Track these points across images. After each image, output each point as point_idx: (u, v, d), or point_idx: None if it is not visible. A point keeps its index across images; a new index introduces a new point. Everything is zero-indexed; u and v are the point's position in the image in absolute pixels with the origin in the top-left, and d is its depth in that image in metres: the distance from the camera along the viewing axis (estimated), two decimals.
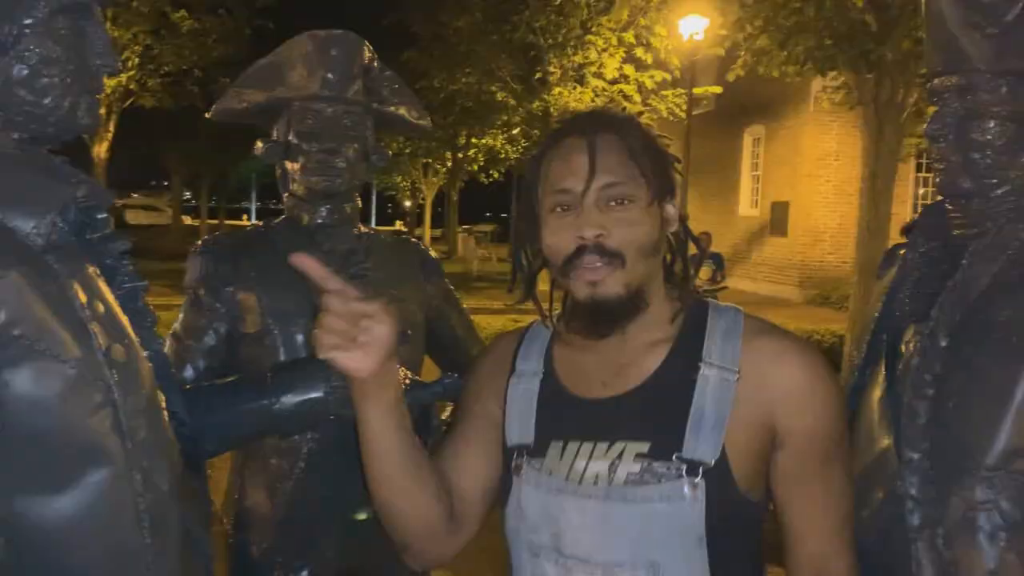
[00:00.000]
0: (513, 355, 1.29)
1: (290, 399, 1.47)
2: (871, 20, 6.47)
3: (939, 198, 1.45)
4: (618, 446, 1.15)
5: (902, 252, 1.51)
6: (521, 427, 1.23)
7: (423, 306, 2.08)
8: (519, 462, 1.21)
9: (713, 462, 1.12)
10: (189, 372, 1.88)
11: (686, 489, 1.11)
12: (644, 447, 1.14)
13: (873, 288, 1.62)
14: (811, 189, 16.47)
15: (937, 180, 1.40)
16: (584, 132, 1.17)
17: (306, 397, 1.48)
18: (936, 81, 1.39)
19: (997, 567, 1.22)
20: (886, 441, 1.35)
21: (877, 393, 1.41)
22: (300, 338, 1.87)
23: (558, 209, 1.17)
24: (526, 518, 1.19)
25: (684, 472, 1.12)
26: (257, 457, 1.92)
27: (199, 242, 1.98)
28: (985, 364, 1.24)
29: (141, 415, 1.05)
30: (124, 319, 1.10)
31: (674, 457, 1.12)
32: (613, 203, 1.15)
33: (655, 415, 1.16)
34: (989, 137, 1.32)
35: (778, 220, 17.33)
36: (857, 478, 1.41)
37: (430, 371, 1.88)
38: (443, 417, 2.19)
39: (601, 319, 1.17)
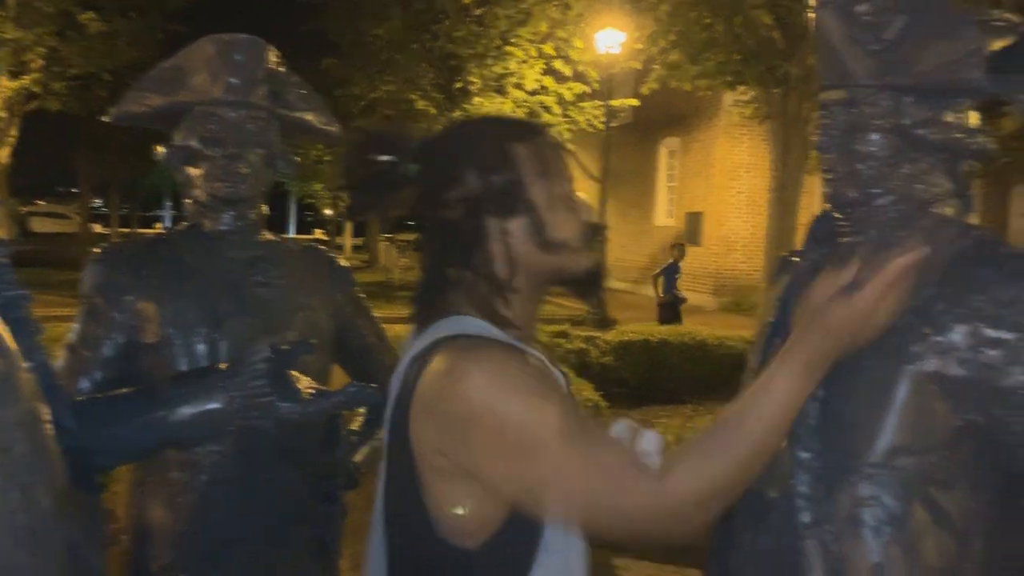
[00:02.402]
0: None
1: (188, 410, 1.42)
2: (778, 37, 6.71)
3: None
4: None
5: (795, 260, 1.57)
6: None
7: (332, 314, 2.06)
8: None
9: None
10: (85, 384, 1.82)
11: None
12: None
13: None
14: (723, 200, 16.92)
15: (826, 190, 1.46)
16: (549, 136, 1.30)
17: (205, 408, 1.43)
18: (824, 94, 1.45)
19: (882, 561, 1.27)
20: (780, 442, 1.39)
21: None
22: (201, 348, 1.82)
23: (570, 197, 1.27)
24: None
25: None
26: (157, 471, 1.86)
27: (96, 249, 1.92)
28: (869, 366, 1.30)
29: (19, 428, 1.00)
30: (2, 329, 1.05)
31: None
32: None
33: None
34: (872, 149, 1.38)
35: (693, 230, 17.73)
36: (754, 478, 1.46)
37: (342, 381, 1.86)
38: (352, 427, 2.17)
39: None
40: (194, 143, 1.89)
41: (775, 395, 1.13)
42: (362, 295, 2.22)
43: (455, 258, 1.25)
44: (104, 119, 2.01)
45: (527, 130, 1.28)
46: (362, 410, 2.18)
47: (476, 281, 1.25)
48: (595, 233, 1.30)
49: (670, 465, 1.11)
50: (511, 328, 1.24)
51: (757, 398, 1.14)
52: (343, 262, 2.21)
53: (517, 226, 1.22)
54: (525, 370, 1.16)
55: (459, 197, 1.23)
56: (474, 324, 1.23)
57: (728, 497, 1.14)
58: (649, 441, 1.14)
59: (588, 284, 1.29)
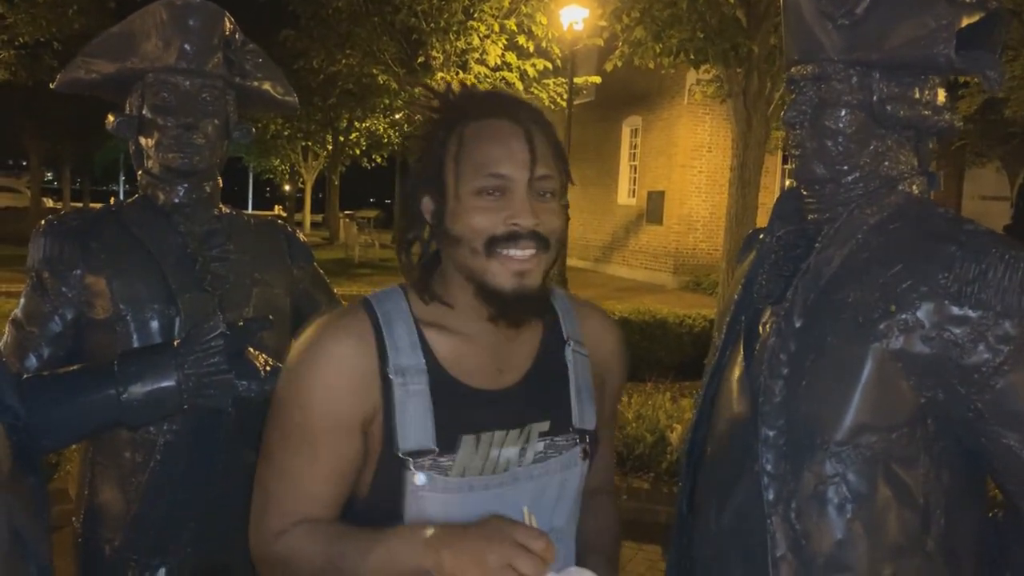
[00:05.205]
0: (378, 349, 1.19)
1: (139, 389, 1.38)
2: (741, 15, 6.71)
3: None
4: (527, 429, 1.23)
5: (761, 237, 1.56)
6: (418, 431, 1.17)
7: (289, 290, 2.01)
8: (421, 465, 1.16)
9: (594, 427, 1.30)
10: (32, 361, 1.76)
11: (579, 454, 1.28)
12: (545, 426, 1.25)
13: (735, 272, 1.66)
14: (685, 179, 16.99)
15: (793, 166, 1.45)
16: (518, 119, 1.19)
17: (156, 386, 1.39)
18: (793, 70, 1.43)
19: (844, 537, 1.27)
20: (744, 419, 1.39)
21: (736, 373, 1.44)
22: (155, 324, 1.77)
23: (489, 192, 1.16)
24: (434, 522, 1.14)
25: (577, 440, 1.28)
26: (108, 451, 1.80)
27: (42, 221, 1.85)
28: (835, 344, 1.29)
29: None
30: None
31: (571, 429, 1.27)
32: (547, 195, 1.19)
33: (549, 394, 1.27)
34: (841, 125, 1.37)
35: (654, 209, 17.80)
36: (717, 455, 1.46)
37: None
38: None
39: (523, 309, 1.19)
40: (146, 112, 1.82)
41: (387, 554, 1.10)
42: (321, 271, 2.18)
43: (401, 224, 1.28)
44: (51, 86, 1.93)
45: (492, 106, 1.22)
46: None
47: (406, 248, 1.27)
48: (505, 243, 1.15)
49: (294, 536, 1.18)
50: (438, 302, 1.23)
51: (377, 545, 1.11)
52: (302, 237, 2.16)
53: (428, 204, 1.22)
54: (334, 352, 1.18)
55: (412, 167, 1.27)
56: (383, 294, 1.25)
57: None
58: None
59: (498, 302, 1.17)
